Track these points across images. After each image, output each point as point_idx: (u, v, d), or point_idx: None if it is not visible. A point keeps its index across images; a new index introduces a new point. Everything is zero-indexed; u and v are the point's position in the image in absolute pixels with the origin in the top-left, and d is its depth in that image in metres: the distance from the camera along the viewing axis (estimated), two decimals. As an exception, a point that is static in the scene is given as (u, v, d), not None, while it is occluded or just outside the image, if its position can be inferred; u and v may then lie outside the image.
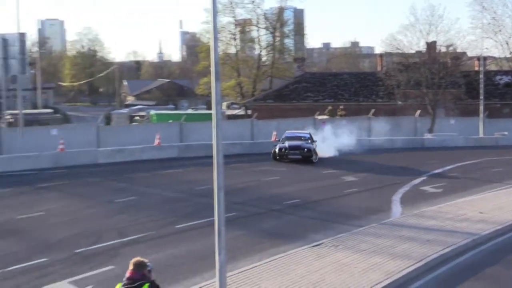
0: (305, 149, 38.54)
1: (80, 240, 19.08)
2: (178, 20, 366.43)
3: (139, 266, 9.05)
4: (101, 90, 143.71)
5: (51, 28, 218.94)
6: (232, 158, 36.14)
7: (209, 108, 76.99)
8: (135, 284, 8.91)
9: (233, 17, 75.74)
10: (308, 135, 40.52)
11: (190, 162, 37.12)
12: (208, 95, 73.32)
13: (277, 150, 38.78)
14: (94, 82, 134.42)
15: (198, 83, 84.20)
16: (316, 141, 40.20)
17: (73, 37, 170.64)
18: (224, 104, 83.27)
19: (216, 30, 12.24)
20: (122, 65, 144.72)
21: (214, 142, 12.20)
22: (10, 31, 39.51)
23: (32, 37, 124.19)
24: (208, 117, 44.81)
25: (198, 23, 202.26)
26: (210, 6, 12.18)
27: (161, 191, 28.43)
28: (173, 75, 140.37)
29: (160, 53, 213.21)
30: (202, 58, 79.96)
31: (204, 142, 39.41)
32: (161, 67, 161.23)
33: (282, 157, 38.46)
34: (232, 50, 76.52)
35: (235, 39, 76.37)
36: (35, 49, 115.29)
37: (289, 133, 41.00)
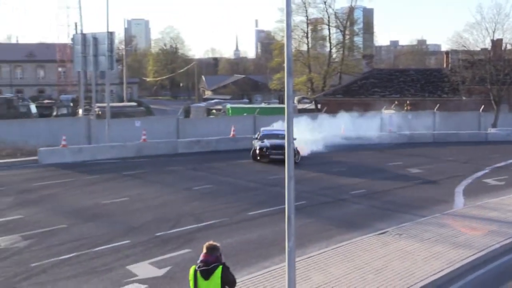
0: None
1: (160, 224, 19.36)
2: (254, 19, 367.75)
3: (213, 249, 9.15)
4: (181, 85, 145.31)
5: (137, 27, 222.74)
6: (302, 149, 35.91)
7: (282, 102, 77.03)
8: (210, 267, 9.01)
9: (306, 16, 75.32)
10: None
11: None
12: (281, 90, 73.26)
13: (257, 149, 33.76)
14: (175, 78, 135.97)
15: (272, 79, 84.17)
16: (296, 139, 31.47)
17: (157, 35, 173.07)
18: (296, 99, 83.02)
19: (289, 29, 12.18)
20: (201, 61, 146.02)
21: (286, 134, 12.18)
22: (100, 30, 40.61)
23: (119, 35, 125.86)
24: (281, 110, 44.78)
25: (273, 22, 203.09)
26: (284, 6, 12.13)
27: (235, 180, 28.59)
28: (248, 71, 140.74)
29: (237, 50, 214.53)
30: (276, 55, 79.96)
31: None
32: (237, 63, 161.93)
33: (263, 157, 33.40)
34: (304, 48, 76.10)
35: (307, 37, 75.94)
36: (122, 46, 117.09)
37: (266, 130, 36.54)
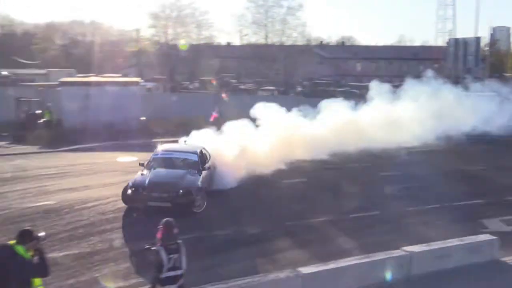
0: (180, 191, 14.38)
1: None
2: None
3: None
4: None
5: (500, 33, 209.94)
6: None
7: None
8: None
9: None
10: (196, 157, 15.96)
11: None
12: None
13: (129, 188, 14.55)
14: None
15: None
16: (209, 168, 16.11)
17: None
18: None
19: None
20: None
21: None
22: (469, 35, 40.21)
23: (485, 39, 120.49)
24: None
25: None
26: None
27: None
28: None
29: None
30: None
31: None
32: None
33: (134, 201, 14.35)
34: None
35: None
36: (486, 48, 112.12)
37: (163, 152, 16.48)
